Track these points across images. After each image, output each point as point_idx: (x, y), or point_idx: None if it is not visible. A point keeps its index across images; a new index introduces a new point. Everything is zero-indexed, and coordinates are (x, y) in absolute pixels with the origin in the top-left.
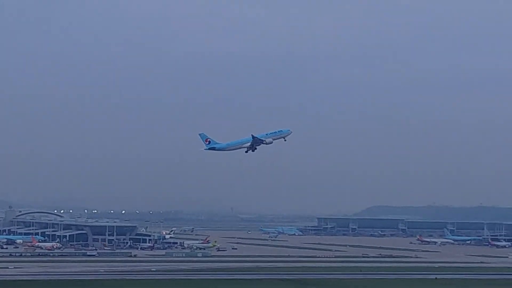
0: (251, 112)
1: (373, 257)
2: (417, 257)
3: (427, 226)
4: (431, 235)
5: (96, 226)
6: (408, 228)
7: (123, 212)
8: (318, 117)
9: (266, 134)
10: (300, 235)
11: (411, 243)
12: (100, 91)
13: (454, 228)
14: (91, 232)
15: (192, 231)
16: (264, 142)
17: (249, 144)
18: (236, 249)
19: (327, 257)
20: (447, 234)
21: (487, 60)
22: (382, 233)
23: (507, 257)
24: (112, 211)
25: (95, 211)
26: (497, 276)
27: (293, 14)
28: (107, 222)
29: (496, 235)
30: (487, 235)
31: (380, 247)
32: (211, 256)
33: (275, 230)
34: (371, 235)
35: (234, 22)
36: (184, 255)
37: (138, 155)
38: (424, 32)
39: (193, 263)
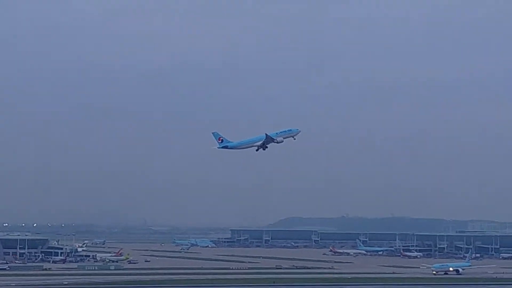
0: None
1: (287, 268)
2: (332, 268)
3: (340, 237)
4: (343, 246)
5: (7, 239)
6: (321, 239)
7: (35, 225)
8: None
9: (277, 133)
10: (214, 247)
11: (324, 254)
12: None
13: (367, 239)
14: (2, 246)
15: (103, 244)
16: (275, 141)
17: (260, 142)
18: (149, 261)
19: (240, 268)
20: (360, 245)
21: (378, 74)
22: (295, 245)
23: (418, 267)
24: (23, 224)
25: (6, 224)
26: (409, 287)
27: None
28: (18, 235)
29: (408, 246)
30: (399, 246)
31: (293, 258)
32: (124, 269)
33: (188, 242)
34: (284, 247)
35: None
36: (96, 268)
37: (49, 167)
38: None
39: (106, 275)
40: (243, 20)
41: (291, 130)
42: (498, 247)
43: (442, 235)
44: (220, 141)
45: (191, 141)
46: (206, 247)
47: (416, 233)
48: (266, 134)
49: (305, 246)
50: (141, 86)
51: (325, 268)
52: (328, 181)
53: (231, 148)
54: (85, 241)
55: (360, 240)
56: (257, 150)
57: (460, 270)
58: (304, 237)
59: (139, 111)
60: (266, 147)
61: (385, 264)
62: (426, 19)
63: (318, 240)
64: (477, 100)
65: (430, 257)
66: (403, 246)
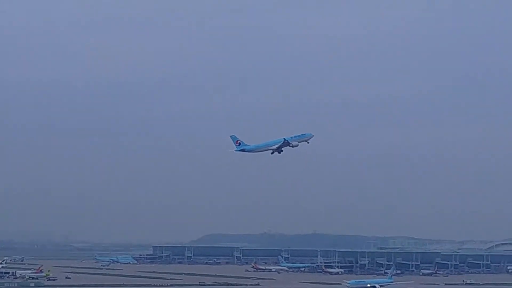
0: None
1: (209, 285)
2: (258, 285)
3: (262, 253)
4: (266, 263)
5: None
6: (243, 255)
7: None
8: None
9: (291, 138)
10: (135, 263)
11: (246, 270)
12: None
13: (289, 256)
14: None
15: (22, 260)
16: (291, 145)
17: (276, 146)
18: (70, 278)
19: (162, 285)
20: (282, 262)
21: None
22: (218, 261)
23: (340, 283)
24: None
25: None
26: None
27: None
28: None
29: (330, 262)
30: (321, 262)
31: (216, 275)
32: (44, 286)
33: (109, 259)
34: (207, 263)
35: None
36: (16, 284)
37: None
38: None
39: None
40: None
41: (304, 134)
42: (418, 263)
43: (364, 252)
44: (237, 144)
45: (113, 157)
46: (127, 263)
47: (338, 250)
48: (284, 139)
49: (227, 263)
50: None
51: (248, 285)
52: (250, 198)
53: (248, 151)
54: (5, 258)
55: (282, 257)
56: (272, 153)
57: (378, 286)
58: (226, 254)
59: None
60: (282, 150)
61: (306, 281)
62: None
63: (240, 257)
64: (398, 119)
65: (352, 273)
66: (324, 263)
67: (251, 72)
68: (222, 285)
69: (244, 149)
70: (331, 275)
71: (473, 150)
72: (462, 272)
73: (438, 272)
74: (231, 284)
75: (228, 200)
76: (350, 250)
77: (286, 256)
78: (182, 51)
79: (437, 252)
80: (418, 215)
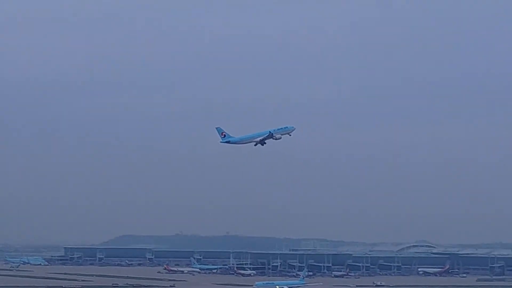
0: None
1: (122, 286)
2: (172, 286)
3: (175, 255)
4: (178, 264)
5: None
6: (155, 257)
7: None
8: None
9: (275, 130)
10: (46, 265)
11: (158, 272)
12: None
13: (201, 257)
14: None
15: None
16: (275, 137)
17: (259, 138)
18: None
19: (73, 287)
20: (194, 263)
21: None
22: (130, 263)
23: (251, 285)
24: None
25: None
26: None
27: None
28: None
29: (242, 264)
30: (233, 264)
31: (128, 276)
32: None
33: (20, 260)
34: (118, 265)
35: None
36: None
37: None
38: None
39: None
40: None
41: (287, 127)
42: (330, 265)
43: (276, 253)
44: (223, 136)
45: (30, 156)
46: (38, 265)
47: (250, 251)
48: (269, 131)
49: (139, 264)
50: None
51: (161, 287)
52: (162, 199)
53: (233, 143)
54: None
55: (194, 258)
56: (255, 145)
57: None
58: (138, 255)
59: None
60: (265, 143)
61: (219, 282)
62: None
63: (152, 258)
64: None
65: (264, 275)
66: (237, 264)
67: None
68: (135, 286)
69: (229, 141)
70: (243, 277)
71: (395, 151)
72: (373, 274)
73: (349, 274)
74: (144, 286)
75: (140, 201)
76: (262, 252)
77: (199, 257)
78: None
79: (349, 254)
80: (330, 217)
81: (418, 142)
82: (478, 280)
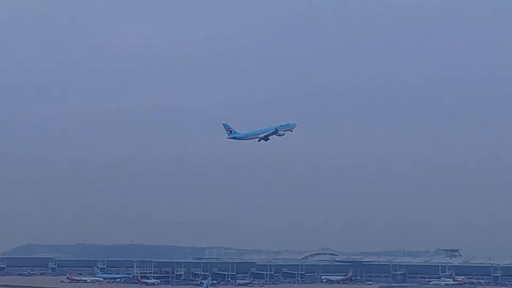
0: None
1: None
2: None
3: (78, 264)
4: (81, 274)
5: None
6: (58, 266)
7: None
8: None
9: (280, 126)
10: None
11: (61, 281)
12: None
13: (105, 266)
14: None
15: None
16: (278, 134)
17: (263, 135)
18: None
19: None
20: (98, 272)
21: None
22: (32, 272)
23: None
24: None
25: None
26: None
27: None
28: None
29: (146, 273)
30: (137, 273)
31: (29, 286)
32: None
33: None
34: (20, 274)
35: None
36: None
37: None
38: None
39: None
40: None
41: (289, 124)
42: (234, 273)
43: (180, 262)
44: (229, 132)
45: None
46: None
47: (154, 260)
48: (275, 127)
49: (41, 274)
50: None
51: None
52: (64, 207)
53: (238, 138)
54: None
55: (97, 267)
56: (259, 141)
57: None
58: (40, 265)
59: None
60: (268, 139)
61: None
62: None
63: (55, 268)
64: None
65: (168, 284)
66: (141, 273)
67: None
68: None
69: (235, 136)
70: (147, 286)
71: (294, 159)
72: (277, 282)
73: (253, 282)
74: None
75: (43, 210)
76: (166, 260)
77: (102, 266)
78: None
79: (253, 262)
80: (235, 225)
81: (312, 150)
82: (380, 287)
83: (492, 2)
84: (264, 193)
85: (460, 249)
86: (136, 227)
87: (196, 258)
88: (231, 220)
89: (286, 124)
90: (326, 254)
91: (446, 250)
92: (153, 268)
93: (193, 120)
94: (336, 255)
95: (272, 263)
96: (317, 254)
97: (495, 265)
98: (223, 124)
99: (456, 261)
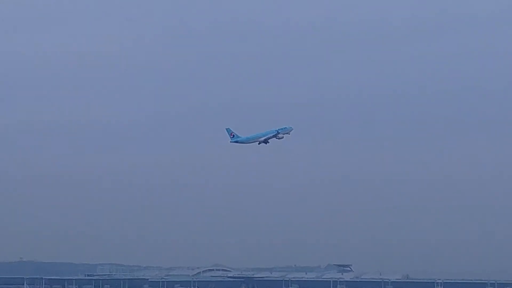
0: None
1: None
2: None
3: None
4: None
5: None
6: None
7: None
8: None
9: (280, 130)
10: None
11: None
12: None
13: None
14: None
15: None
16: (278, 137)
17: (264, 138)
18: None
19: None
20: None
21: None
22: None
23: None
24: None
25: None
26: None
27: None
28: None
29: None
30: None
31: None
32: None
33: None
34: None
35: None
36: None
37: None
38: None
39: None
40: None
41: (286, 128)
42: None
43: (71, 279)
44: (232, 136)
45: None
46: None
47: (45, 277)
48: (277, 131)
49: None
50: None
51: None
52: None
53: (240, 142)
54: None
55: None
56: (259, 144)
57: None
58: None
59: None
60: (268, 142)
61: None
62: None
63: None
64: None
65: None
66: None
67: None
68: None
69: (237, 140)
70: None
71: (183, 177)
72: None
73: None
74: None
75: None
76: (57, 277)
77: None
78: None
79: (145, 279)
80: (126, 241)
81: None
82: None
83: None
84: (152, 209)
85: (351, 264)
86: (26, 244)
87: (88, 275)
88: (123, 235)
89: (285, 128)
90: (219, 270)
91: (337, 265)
92: (44, 285)
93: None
94: (228, 271)
95: (164, 279)
96: (209, 270)
97: (385, 280)
98: (226, 129)
99: (347, 276)
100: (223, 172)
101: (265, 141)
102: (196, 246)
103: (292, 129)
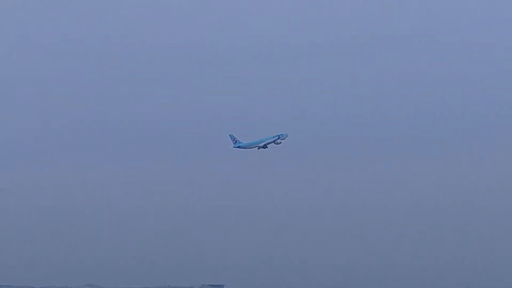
0: None
1: None
2: None
3: None
4: None
5: None
6: None
7: None
8: None
9: (279, 136)
10: None
11: None
12: None
13: None
14: None
15: None
16: (276, 142)
17: (263, 144)
18: None
19: None
20: None
21: None
22: None
23: None
24: None
25: None
26: None
27: None
28: None
29: None
30: None
31: None
32: None
33: None
34: None
35: None
36: None
37: None
38: None
39: None
40: None
41: (282, 134)
42: None
43: None
44: (234, 142)
45: None
46: None
47: None
48: (278, 136)
49: None
50: None
51: None
52: None
53: (242, 147)
54: None
55: None
56: (258, 148)
57: None
58: None
59: None
60: (266, 147)
61: None
62: None
63: None
64: None
65: None
66: None
67: None
68: None
69: (239, 146)
70: None
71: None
72: None
73: None
74: None
75: None
76: None
77: None
78: None
79: None
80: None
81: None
82: None
83: None
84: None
85: (224, 285)
86: None
87: None
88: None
89: (282, 134)
90: None
91: (211, 285)
92: None
93: None
94: None
95: None
96: None
97: None
98: (229, 135)
99: None
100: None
101: (264, 146)
102: (67, 264)
103: (287, 135)
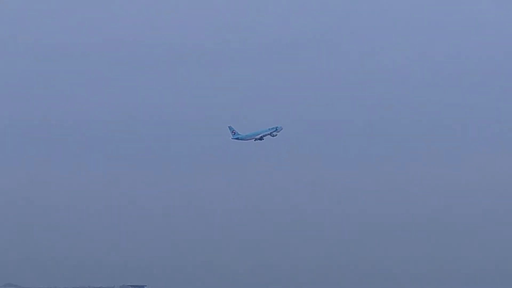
0: None
1: None
2: None
3: None
4: None
5: None
6: None
7: None
8: None
9: (276, 128)
10: None
11: None
12: None
13: None
14: None
15: None
16: (272, 134)
17: (260, 136)
18: None
19: None
20: None
21: None
22: None
23: None
24: None
25: None
26: None
27: None
28: None
29: None
30: None
31: None
32: None
33: None
34: None
35: None
36: None
37: None
38: None
39: None
40: None
41: (278, 127)
42: None
43: None
44: (233, 134)
45: None
46: None
47: None
48: (275, 128)
49: None
50: None
51: None
52: None
53: (240, 139)
54: None
55: None
56: (255, 140)
57: None
58: None
59: None
60: (263, 139)
61: None
62: None
63: None
64: None
65: None
66: None
67: None
68: None
69: (238, 137)
70: None
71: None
72: None
73: None
74: None
75: None
76: None
77: None
78: None
79: None
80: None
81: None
82: None
83: None
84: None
85: (146, 285)
86: None
87: None
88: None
89: (278, 127)
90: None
91: (131, 286)
92: None
93: None
94: None
95: None
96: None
97: None
98: (228, 127)
99: None
100: None
101: (261, 138)
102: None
103: (282, 128)
